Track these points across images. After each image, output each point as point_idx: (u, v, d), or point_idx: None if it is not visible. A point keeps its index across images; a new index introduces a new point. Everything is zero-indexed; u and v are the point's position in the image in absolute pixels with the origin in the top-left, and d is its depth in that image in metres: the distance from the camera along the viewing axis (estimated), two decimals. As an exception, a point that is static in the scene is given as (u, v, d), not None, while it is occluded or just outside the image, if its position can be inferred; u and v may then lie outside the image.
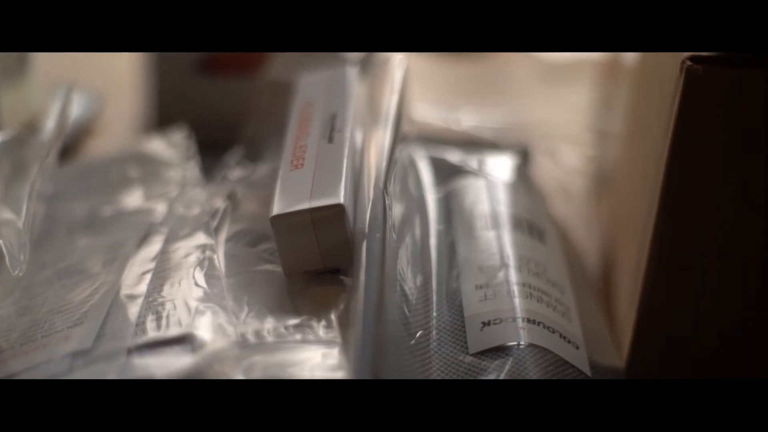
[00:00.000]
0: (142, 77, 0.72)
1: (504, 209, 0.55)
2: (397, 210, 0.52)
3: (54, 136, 0.55)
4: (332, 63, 0.62)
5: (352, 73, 0.57)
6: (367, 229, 0.48)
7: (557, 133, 0.70)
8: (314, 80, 0.57)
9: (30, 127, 0.68)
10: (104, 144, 0.70)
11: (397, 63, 0.56)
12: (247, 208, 0.55)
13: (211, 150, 0.61)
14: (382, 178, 0.49)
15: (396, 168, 0.52)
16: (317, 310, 0.48)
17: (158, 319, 0.47)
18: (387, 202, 0.49)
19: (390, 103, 0.53)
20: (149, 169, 0.59)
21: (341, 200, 0.48)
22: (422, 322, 0.49)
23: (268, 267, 0.51)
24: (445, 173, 0.57)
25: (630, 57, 0.68)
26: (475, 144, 0.61)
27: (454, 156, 0.59)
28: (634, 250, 0.53)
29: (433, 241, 0.53)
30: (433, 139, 0.61)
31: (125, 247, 0.53)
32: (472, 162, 0.58)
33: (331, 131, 0.52)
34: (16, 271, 0.51)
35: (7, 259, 0.51)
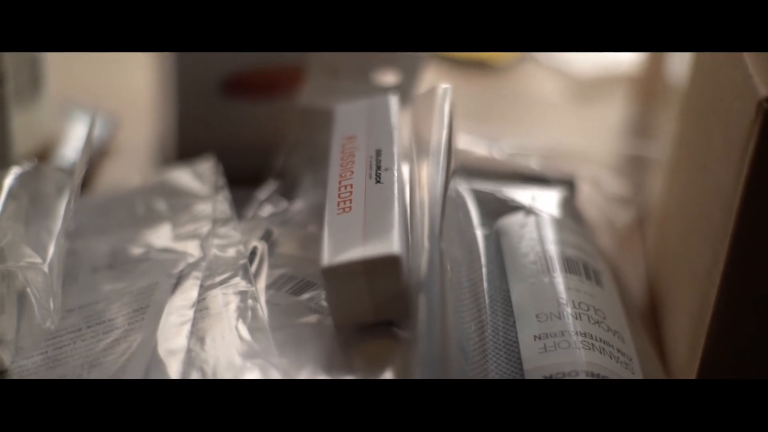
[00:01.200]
0: (157, 98, 0.69)
1: (557, 249, 0.52)
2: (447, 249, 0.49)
3: (79, 171, 0.52)
4: (365, 89, 0.59)
5: (393, 102, 0.54)
6: (423, 281, 0.45)
7: (593, 159, 0.67)
8: (353, 110, 0.54)
9: (44, 154, 0.66)
10: (119, 167, 0.67)
11: (443, 93, 0.52)
12: (285, 250, 0.52)
13: (236, 178, 0.58)
14: (437, 226, 0.46)
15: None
16: (372, 366, 0.45)
17: (203, 377, 0.44)
18: (442, 248, 0.46)
19: (440, 138, 0.50)
20: (176, 203, 0.56)
21: (396, 250, 0.45)
22: (480, 376, 0.46)
23: (316, 318, 0.48)
24: (493, 208, 0.55)
25: (669, 75, 0.66)
26: (520, 175, 0.59)
27: (500, 189, 0.56)
28: (694, 293, 0.50)
29: (485, 284, 0.50)
30: (476, 170, 0.58)
31: (157, 293, 0.50)
32: (520, 197, 0.55)
33: (378, 169, 0.50)
34: (48, 323, 0.48)
35: (36, 309, 0.48)
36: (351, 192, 0.49)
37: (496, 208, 0.55)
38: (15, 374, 0.49)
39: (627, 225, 0.62)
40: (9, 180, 0.53)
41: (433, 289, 0.44)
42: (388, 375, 0.44)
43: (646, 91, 0.73)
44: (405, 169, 0.51)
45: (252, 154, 0.63)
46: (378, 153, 0.51)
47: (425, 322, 0.43)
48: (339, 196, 0.49)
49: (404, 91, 0.57)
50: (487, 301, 0.50)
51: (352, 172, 0.50)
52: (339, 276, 0.45)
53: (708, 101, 0.52)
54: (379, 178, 0.49)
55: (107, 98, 0.72)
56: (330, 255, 0.46)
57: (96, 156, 0.67)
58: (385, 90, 0.57)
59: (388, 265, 0.45)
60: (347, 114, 0.54)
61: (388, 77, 0.59)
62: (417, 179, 0.50)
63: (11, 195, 0.53)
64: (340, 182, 0.50)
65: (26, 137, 0.64)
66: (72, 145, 0.67)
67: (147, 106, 0.71)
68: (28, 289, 0.49)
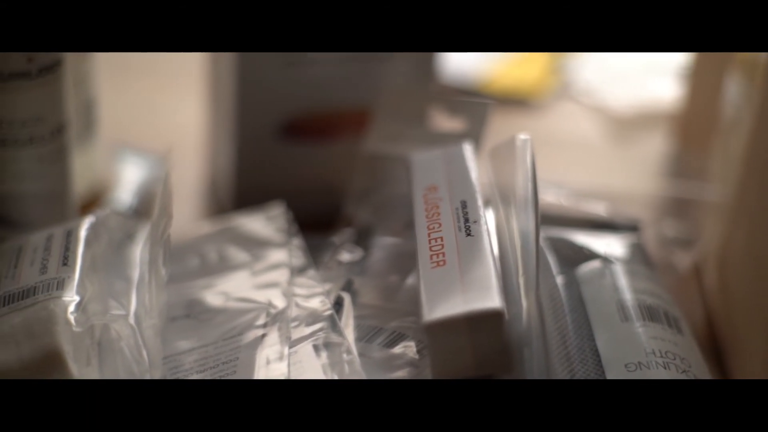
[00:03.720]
0: (208, 140, 0.69)
1: (638, 298, 0.52)
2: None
3: (164, 221, 0.52)
4: (431, 135, 0.59)
5: (468, 150, 0.55)
6: (526, 335, 0.45)
7: (640, 200, 0.68)
8: (430, 160, 0.55)
9: (97, 197, 0.65)
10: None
11: (522, 144, 0.53)
12: (368, 300, 0.53)
13: (297, 222, 0.58)
14: (534, 279, 0.47)
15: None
16: (476, 421, 0.45)
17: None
18: (541, 301, 0.46)
19: (526, 189, 0.50)
20: (249, 250, 0.56)
21: (499, 305, 0.45)
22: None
23: (411, 371, 0.48)
24: (568, 256, 0.55)
25: (715, 115, 0.66)
26: (590, 222, 0.59)
27: (573, 237, 0.57)
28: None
29: (571, 333, 0.51)
30: (547, 216, 0.58)
31: (244, 345, 0.50)
32: (594, 244, 0.56)
33: (466, 222, 0.50)
34: (147, 377, 0.48)
35: (131, 363, 0.48)
36: (442, 245, 0.49)
37: (571, 256, 0.55)
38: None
39: (685, 268, 0.63)
40: (84, 230, 0.53)
41: (537, 343, 0.45)
42: (491, 429, 0.45)
43: (688, 130, 0.74)
44: (490, 219, 0.51)
45: (312, 198, 0.63)
46: (463, 205, 0.51)
47: (532, 377, 0.44)
48: (431, 249, 0.49)
49: (472, 138, 0.58)
50: (575, 353, 0.50)
51: (440, 225, 0.50)
52: (441, 331, 0.46)
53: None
54: (469, 230, 0.49)
55: (155, 140, 0.72)
56: (430, 310, 0.46)
57: (150, 199, 0.67)
58: (456, 137, 0.58)
59: (491, 319, 0.45)
60: (424, 163, 0.55)
61: (454, 123, 0.60)
62: (504, 230, 0.51)
63: (88, 245, 0.53)
64: (429, 235, 0.50)
65: (80, 180, 0.64)
66: (125, 187, 0.67)
67: (194, 147, 0.71)
68: (122, 343, 0.48)
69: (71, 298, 0.49)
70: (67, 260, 0.51)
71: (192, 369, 0.50)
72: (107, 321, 0.49)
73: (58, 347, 0.47)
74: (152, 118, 0.76)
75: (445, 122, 0.60)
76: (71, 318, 0.48)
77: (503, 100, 0.80)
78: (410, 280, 0.53)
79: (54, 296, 0.49)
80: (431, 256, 0.49)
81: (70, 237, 0.53)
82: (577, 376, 0.49)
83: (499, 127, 0.73)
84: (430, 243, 0.49)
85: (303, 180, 0.65)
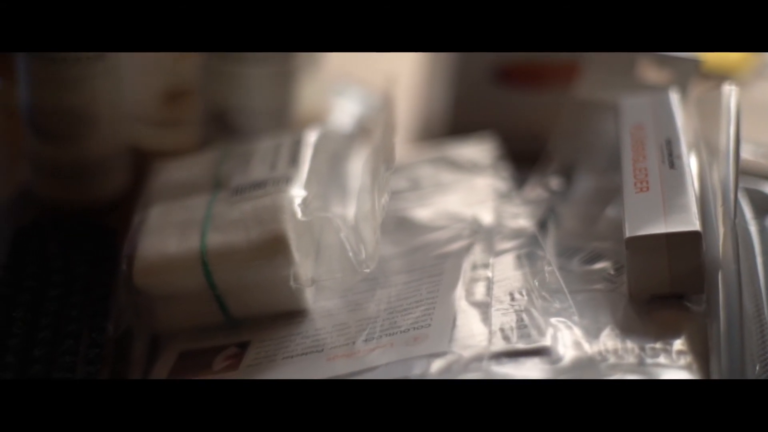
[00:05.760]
0: (424, 81, 0.73)
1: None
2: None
3: (389, 136, 0.56)
4: (638, 87, 0.62)
5: (675, 98, 0.58)
6: (722, 260, 0.48)
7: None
8: (638, 103, 0.58)
9: (316, 119, 0.70)
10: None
11: (728, 91, 0.56)
12: (570, 224, 0.56)
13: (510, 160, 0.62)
14: (732, 212, 0.50)
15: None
16: (666, 334, 0.48)
17: (517, 328, 0.48)
18: (737, 233, 0.49)
19: (728, 132, 0.53)
20: (459, 172, 0.60)
21: (698, 227, 0.48)
22: (759, 355, 0.49)
23: (607, 286, 0.51)
24: (762, 206, 0.58)
25: None
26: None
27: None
28: None
29: (761, 274, 0.53)
30: (745, 170, 0.61)
31: (453, 251, 0.54)
32: (788, 197, 0.58)
33: (670, 156, 0.53)
34: (363, 267, 0.52)
35: (350, 255, 0.52)
36: (646, 174, 0.52)
37: (764, 206, 0.58)
38: (316, 315, 0.53)
39: None
40: (310, 139, 0.58)
41: (731, 270, 0.48)
42: (679, 343, 0.47)
43: None
44: (693, 159, 0.54)
45: (518, 142, 0.67)
46: (668, 142, 0.54)
47: (725, 299, 0.47)
48: (635, 177, 0.52)
49: (687, 89, 0.60)
50: (762, 289, 0.52)
51: (645, 157, 0.53)
52: (642, 247, 0.49)
53: None
54: (673, 164, 0.52)
55: (372, 80, 0.76)
56: (633, 228, 0.49)
57: (366, 127, 0.71)
58: (663, 89, 0.60)
59: (690, 240, 0.48)
60: (632, 106, 0.58)
61: (661, 76, 0.62)
62: (706, 171, 0.54)
63: (314, 152, 0.57)
64: (634, 165, 0.53)
65: (301, 106, 0.68)
66: (343, 115, 0.72)
67: (407, 89, 0.75)
68: (341, 235, 0.53)
69: (298, 192, 0.53)
70: (295, 162, 0.56)
71: (400, 271, 0.54)
72: (328, 216, 0.54)
73: (284, 233, 0.52)
74: (369, 59, 0.80)
75: (652, 75, 0.63)
76: (297, 209, 0.52)
77: (704, 74, 0.82)
78: (610, 211, 0.56)
79: (282, 189, 0.53)
80: (635, 182, 0.52)
81: (298, 144, 0.57)
82: (763, 311, 0.51)
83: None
84: (634, 171, 0.53)
85: (512, 124, 0.69)
